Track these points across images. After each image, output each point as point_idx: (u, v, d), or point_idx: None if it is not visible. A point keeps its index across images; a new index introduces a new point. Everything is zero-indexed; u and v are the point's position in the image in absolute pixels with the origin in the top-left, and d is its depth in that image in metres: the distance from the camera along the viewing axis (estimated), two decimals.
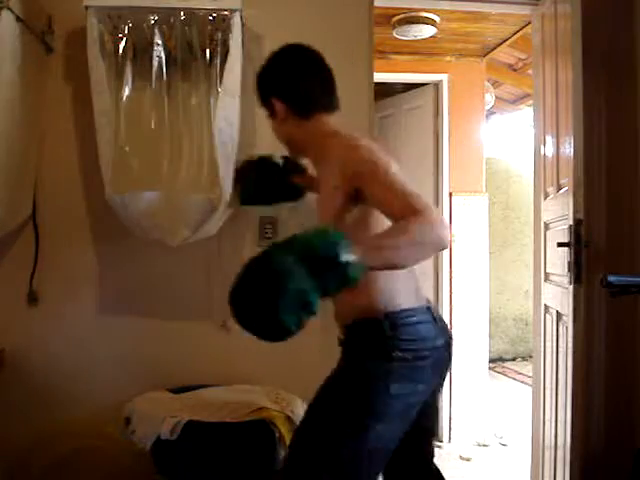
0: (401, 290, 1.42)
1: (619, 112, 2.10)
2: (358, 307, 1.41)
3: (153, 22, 2.10)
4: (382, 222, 1.34)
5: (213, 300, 2.27)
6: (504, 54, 4.11)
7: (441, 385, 1.54)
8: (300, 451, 1.40)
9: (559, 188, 2.33)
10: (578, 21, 2.06)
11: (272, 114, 1.59)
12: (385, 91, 4.00)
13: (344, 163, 1.38)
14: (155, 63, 2.11)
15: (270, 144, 1.89)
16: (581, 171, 2.06)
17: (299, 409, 1.98)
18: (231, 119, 2.10)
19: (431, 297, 3.82)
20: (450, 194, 3.84)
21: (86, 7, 2.06)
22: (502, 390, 4.96)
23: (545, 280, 2.50)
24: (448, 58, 3.87)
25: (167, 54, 2.13)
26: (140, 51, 2.14)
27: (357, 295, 1.36)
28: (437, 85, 3.87)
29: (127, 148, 2.11)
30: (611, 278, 1.43)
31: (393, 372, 1.37)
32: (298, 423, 1.42)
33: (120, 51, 2.11)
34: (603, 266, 2.03)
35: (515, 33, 3.52)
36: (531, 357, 2.85)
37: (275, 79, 1.58)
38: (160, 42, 2.11)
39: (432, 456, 1.62)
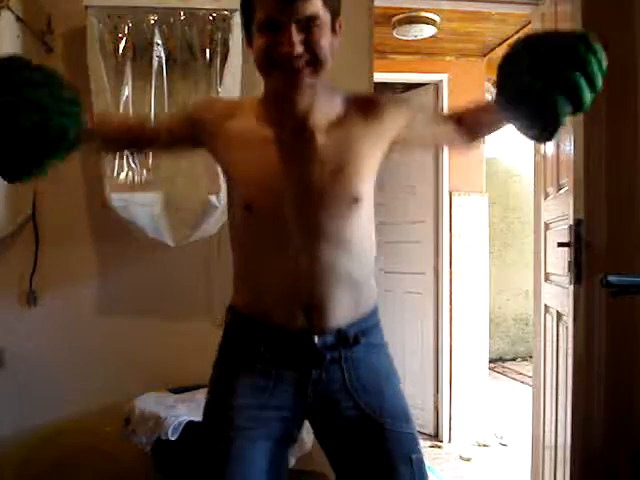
0: None
1: (619, 112, 2.10)
2: (371, 299, 1.34)
3: (153, 22, 2.11)
4: None
5: (213, 300, 2.27)
6: None
7: None
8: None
9: (559, 188, 2.33)
10: (578, 21, 2.06)
11: (334, 30, 1.21)
12: (385, 91, 4.00)
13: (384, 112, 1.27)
14: (155, 63, 2.12)
15: None
16: (581, 171, 2.06)
17: None
18: None
19: (431, 297, 3.83)
20: (450, 194, 3.84)
21: (86, 7, 2.07)
22: (502, 390, 4.96)
23: (545, 280, 2.50)
24: (448, 58, 3.87)
25: (167, 54, 2.14)
26: (140, 51, 2.15)
27: (369, 286, 1.33)
28: (437, 85, 3.87)
29: None
30: (611, 278, 1.43)
31: None
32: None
33: (120, 51, 2.11)
34: (603, 266, 2.03)
35: (515, 33, 3.52)
36: (531, 357, 2.86)
37: None
38: (160, 42, 2.11)
39: None
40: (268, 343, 1.27)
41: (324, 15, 1.14)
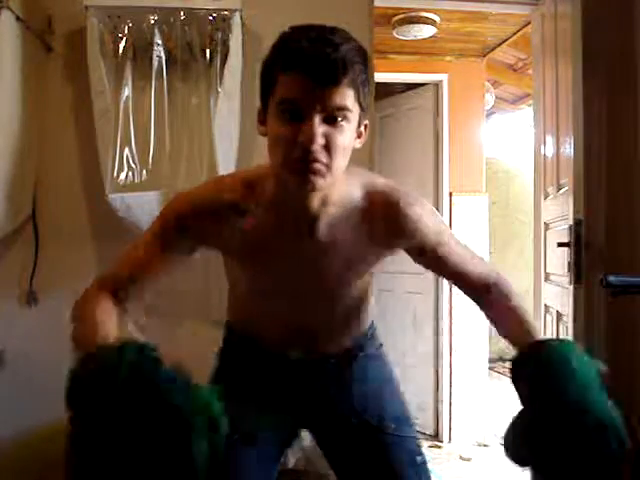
0: None
1: (619, 112, 2.10)
2: (369, 318, 1.38)
3: (153, 22, 2.10)
4: None
5: (212, 300, 2.27)
6: (504, 54, 4.12)
7: None
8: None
9: (559, 188, 2.33)
10: (578, 21, 2.06)
11: (359, 134, 1.08)
12: (385, 91, 4.00)
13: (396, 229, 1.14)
14: (155, 63, 2.12)
15: None
16: (581, 171, 2.06)
17: None
18: (231, 119, 2.10)
19: (431, 297, 3.83)
20: (450, 194, 3.84)
21: (86, 7, 2.07)
22: (502, 390, 4.95)
23: (545, 280, 2.50)
24: (448, 58, 3.87)
25: (167, 54, 2.14)
26: (140, 51, 2.14)
27: (368, 312, 1.36)
28: (437, 85, 3.88)
29: (127, 148, 2.11)
30: (611, 278, 1.43)
31: None
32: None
33: (120, 51, 2.11)
34: (603, 266, 2.03)
35: (515, 33, 3.52)
36: None
37: (369, 84, 1.04)
38: (160, 42, 2.11)
39: None
40: (265, 363, 1.30)
41: (354, 108, 0.99)
